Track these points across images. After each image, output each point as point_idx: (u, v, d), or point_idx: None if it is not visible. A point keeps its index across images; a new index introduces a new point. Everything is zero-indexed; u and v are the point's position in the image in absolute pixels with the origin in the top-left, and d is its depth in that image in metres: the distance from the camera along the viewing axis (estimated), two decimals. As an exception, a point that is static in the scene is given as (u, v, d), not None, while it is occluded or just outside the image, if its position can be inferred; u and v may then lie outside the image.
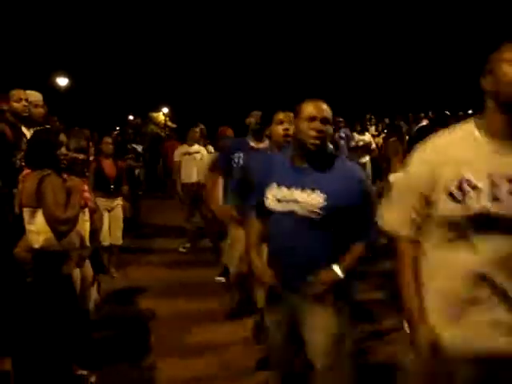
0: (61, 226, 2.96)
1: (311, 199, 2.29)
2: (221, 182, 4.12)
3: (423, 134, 4.85)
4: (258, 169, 2.65)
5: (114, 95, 31.58)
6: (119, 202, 6.09)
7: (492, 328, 1.68)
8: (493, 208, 1.63)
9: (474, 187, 1.66)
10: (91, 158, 5.65)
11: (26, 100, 4.04)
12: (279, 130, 3.28)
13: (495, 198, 1.64)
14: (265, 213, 2.48)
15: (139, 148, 10.27)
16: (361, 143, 9.88)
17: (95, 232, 3.58)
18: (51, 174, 3.00)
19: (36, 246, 3.00)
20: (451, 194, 1.68)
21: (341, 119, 10.49)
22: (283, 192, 2.36)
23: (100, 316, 4.38)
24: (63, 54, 28.05)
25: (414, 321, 1.80)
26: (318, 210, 2.28)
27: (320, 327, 2.36)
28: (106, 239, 5.78)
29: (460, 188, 1.67)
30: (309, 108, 2.36)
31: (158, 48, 33.79)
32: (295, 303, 2.41)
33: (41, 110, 4.23)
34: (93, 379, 3.41)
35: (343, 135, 9.96)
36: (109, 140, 6.24)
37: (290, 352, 2.53)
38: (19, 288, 3.16)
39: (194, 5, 34.07)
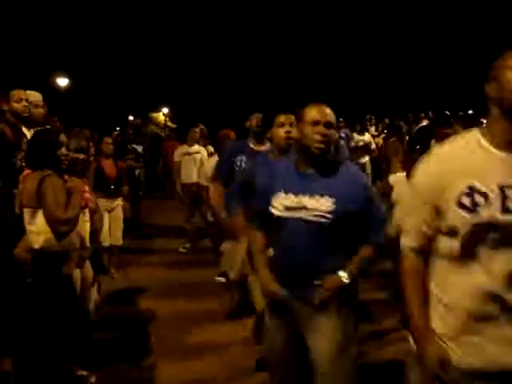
0: (61, 226, 2.96)
1: (320, 205, 2.28)
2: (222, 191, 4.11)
3: (423, 134, 4.86)
4: (262, 177, 2.60)
5: (114, 95, 31.57)
6: (119, 202, 6.09)
7: (503, 344, 1.67)
8: (502, 217, 1.62)
9: (484, 196, 1.64)
10: (91, 159, 5.64)
11: (27, 100, 4.04)
12: (281, 132, 3.22)
13: (505, 208, 1.62)
14: (268, 221, 2.45)
15: (139, 148, 10.27)
16: (361, 143, 9.89)
17: (95, 232, 3.58)
18: (52, 175, 3.00)
19: (36, 246, 3.00)
20: (460, 203, 1.66)
21: (341, 119, 10.50)
22: (291, 199, 2.34)
23: (100, 316, 4.38)
24: (63, 55, 28.05)
25: (421, 338, 1.80)
26: (327, 215, 2.27)
27: (325, 334, 2.35)
28: (106, 240, 5.78)
29: (469, 197, 1.65)
30: (312, 112, 2.35)
31: (158, 48, 33.79)
32: (300, 309, 2.38)
33: (41, 111, 4.24)
34: (93, 379, 3.41)
35: (343, 135, 9.96)
36: (109, 140, 6.24)
37: (289, 355, 2.50)
38: (19, 288, 3.16)
39: (195, 5, 34.08)
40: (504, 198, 1.63)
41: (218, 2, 33.59)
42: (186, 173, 7.57)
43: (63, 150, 3.11)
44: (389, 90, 29.03)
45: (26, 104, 4.03)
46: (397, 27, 29.57)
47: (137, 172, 9.35)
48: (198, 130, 7.93)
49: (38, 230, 2.99)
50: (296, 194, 2.33)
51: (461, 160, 1.70)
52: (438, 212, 1.73)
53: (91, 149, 5.80)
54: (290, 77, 31.36)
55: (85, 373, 3.41)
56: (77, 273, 3.23)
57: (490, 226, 1.63)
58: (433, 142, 4.76)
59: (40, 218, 2.98)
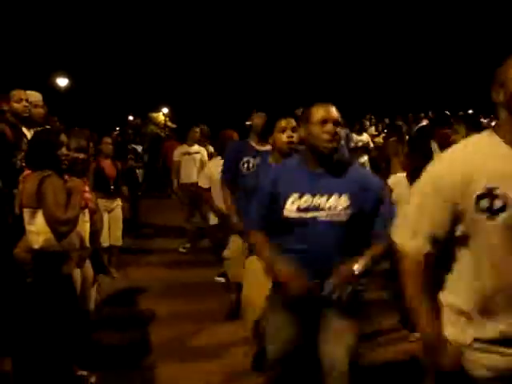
0: (61, 226, 2.96)
1: (337, 204, 2.30)
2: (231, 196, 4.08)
3: (423, 134, 4.86)
4: (268, 178, 2.54)
5: (113, 95, 31.56)
6: (118, 202, 6.08)
7: None
8: None
9: (505, 198, 1.62)
10: (90, 159, 5.64)
11: (27, 100, 4.04)
12: (283, 137, 3.19)
13: None
14: (274, 223, 2.43)
15: (139, 148, 10.28)
16: (360, 144, 9.89)
17: (95, 233, 3.57)
18: (52, 175, 3.00)
19: (36, 246, 3.00)
20: (480, 205, 1.63)
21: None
22: (306, 200, 2.33)
23: (100, 316, 4.38)
24: (63, 55, 28.05)
25: (433, 346, 1.75)
26: (344, 214, 2.29)
27: (340, 336, 2.35)
28: (105, 240, 5.77)
29: (489, 199, 1.63)
30: (320, 112, 2.36)
31: (157, 48, 33.78)
32: (315, 309, 2.37)
33: (41, 111, 4.23)
34: (93, 379, 3.41)
35: (343, 135, 9.95)
36: (108, 140, 6.23)
37: (293, 352, 2.47)
38: (19, 288, 3.16)
39: (194, 5, 34.07)
40: None
41: (218, 2, 33.59)
42: (185, 173, 7.56)
43: (63, 150, 3.11)
44: (388, 90, 29.03)
45: (26, 104, 4.03)
46: (397, 27, 29.58)
47: (137, 172, 9.36)
48: (197, 129, 7.92)
49: (37, 230, 2.99)
50: (312, 194, 2.33)
51: (482, 159, 1.67)
52: (456, 213, 1.68)
53: (91, 149, 5.81)
54: (290, 77, 31.37)
55: (85, 373, 3.41)
56: (77, 272, 3.22)
57: (509, 228, 1.61)
58: (433, 142, 4.78)
59: (40, 218, 2.98)
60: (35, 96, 4.19)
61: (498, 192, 1.62)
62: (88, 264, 3.45)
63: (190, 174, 7.47)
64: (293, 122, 3.11)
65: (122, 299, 5.34)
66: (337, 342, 2.36)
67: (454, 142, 2.85)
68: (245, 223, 2.70)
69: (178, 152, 7.82)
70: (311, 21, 33.51)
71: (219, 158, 5.31)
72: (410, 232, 1.77)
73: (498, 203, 1.62)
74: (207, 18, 34.48)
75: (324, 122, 2.33)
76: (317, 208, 2.31)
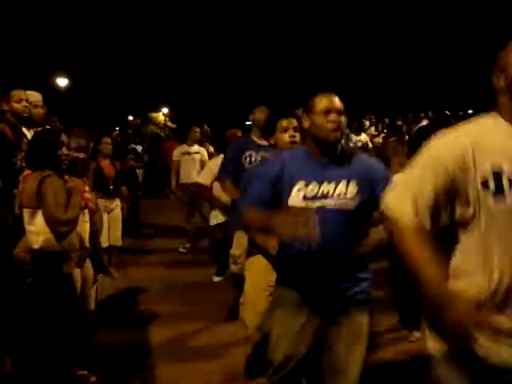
0: (61, 227, 2.95)
1: (346, 190, 2.30)
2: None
3: (423, 134, 4.86)
4: (271, 166, 2.51)
5: (113, 95, 31.56)
6: (118, 202, 6.07)
7: None
8: None
9: (511, 180, 1.59)
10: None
11: (27, 100, 4.04)
12: (285, 137, 3.13)
13: None
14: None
15: (139, 148, 10.28)
16: (359, 144, 9.91)
17: (95, 233, 3.57)
18: (52, 175, 3.00)
19: (35, 246, 3.00)
20: (486, 184, 1.60)
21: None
22: (314, 188, 2.32)
23: (100, 316, 4.38)
24: (63, 55, 28.05)
25: (443, 298, 1.57)
26: (352, 201, 2.30)
27: (355, 345, 2.34)
28: (105, 241, 5.75)
29: (496, 179, 1.59)
30: (323, 101, 2.37)
31: (157, 48, 33.78)
32: (327, 308, 2.35)
33: (41, 111, 4.23)
34: (93, 379, 3.41)
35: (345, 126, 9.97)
36: (108, 140, 6.22)
37: (302, 346, 2.38)
38: (19, 289, 3.16)
39: (194, 5, 34.07)
40: None
41: (218, 2, 33.59)
42: (185, 172, 7.56)
43: (64, 150, 3.11)
44: (388, 90, 29.03)
45: (26, 104, 4.03)
46: (397, 27, 29.57)
47: (137, 172, 9.37)
48: (198, 129, 7.91)
49: (37, 230, 2.99)
50: (319, 182, 2.32)
51: (488, 138, 1.64)
52: (454, 188, 1.63)
53: (90, 149, 5.80)
54: (290, 77, 31.37)
55: (85, 372, 3.41)
56: (77, 272, 3.22)
57: None
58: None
59: (39, 219, 2.98)
60: (35, 96, 4.19)
61: (504, 170, 1.59)
62: (88, 264, 3.45)
63: (189, 173, 7.46)
64: (294, 122, 3.08)
65: (122, 299, 5.34)
66: (349, 353, 2.33)
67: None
68: (241, 200, 2.64)
69: (177, 152, 7.82)
70: (311, 21, 33.52)
71: (221, 156, 5.29)
72: (406, 201, 1.68)
73: (504, 182, 1.59)
74: (207, 18, 34.48)
75: (327, 111, 2.34)
76: (325, 196, 2.30)
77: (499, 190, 1.59)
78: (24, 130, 4.02)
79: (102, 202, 5.51)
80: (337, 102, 2.38)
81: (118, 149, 8.06)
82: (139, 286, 5.67)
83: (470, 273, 1.68)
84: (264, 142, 3.87)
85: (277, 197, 2.37)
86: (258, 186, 2.47)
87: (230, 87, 33.94)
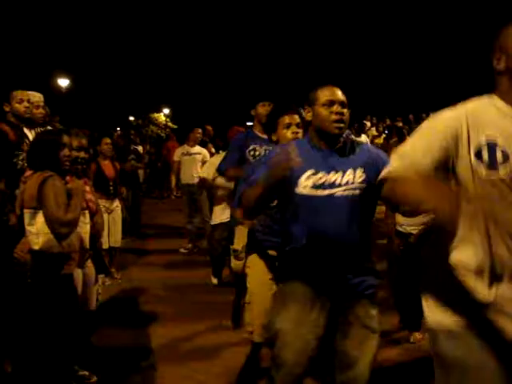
0: (61, 227, 2.95)
1: (354, 178, 2.32)
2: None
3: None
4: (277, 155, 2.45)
5: (114, 96, 31.59)
6: (118, 203, 6.08)
7: None
8: None
9: (504, 154, 1.61)
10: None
11: (28, 101, 4.04)
12: (288, 134, 3.06)
13: None
14: (288, 204, 2.40)
15: (140, 149, 10.29)
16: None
17: (96, 234, 3.56)
18: (53, 176, 3.00)
19: (36, 247, 2.99)
20: (479, 155, 1.62)
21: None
22: (322, 177, 2.31)
23: (101, 317, 4.38)
24: (64, 55, 28.08)
25: (445, 197, 1.51)
26: (360, 188, 2.31)
27: (368, 340, 2.35)
28: (105, 242, 5.74)
29: (490, 150, 1.62)
30: (326, 93, 2.38)
31: (159, 49, 33.82)
32: (337, 302, 2.34)
33: (42, 111, 4.23)
34: (94, 380, 3.41)
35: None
36: (108, 141, 6.22)
37: (308, 355, 2.32)
38: (19, 289, 3.16)
39: (195, 6, 34.09)
40: None
41: (219, 3, 33.60)
42: (185, 173, 7.56)
43: (65, 151, 3.11)
44: (389, 91, 29.02)
45: (28, 105, 4.03)
46: (398, 28, 29.57)
47: (138, 172, 9.38)
48: (200, 131, 7.91)
49: (37, 231, 2.98)
50: (327, 171, 2.32)
51: (484, 115, 1.67)
52: (449, 157, 1.65)
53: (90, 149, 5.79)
54: (290, 78, 31.38)
55: (86, 373, 3.42)
56: (78, 273, 3.22)
57: (504, 182, 1.60)
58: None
59: (40, 219, 2.97)
60: (36, 96, 4.19)
61: (498, 143, 1.61)
62: (90, 264, 3.45)
63: (190, 174, 7.47)
64: (297, 118, 3.05)
65: (123, 300, 5.34)
66: (362, 352, 2.32)
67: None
68: (243, 186, 2.60)
69: (178, 152, 7.83)
70: (312, 21, 33.53)
71: (224, 153, 5.26)
72: (404, 160, 1.70)
73: (498, 154, 1.61)
74: (208, 19, 34.50)
75: (331, 103, 2.35)
76: (333, 184, 2.30)
77: (492, 162, 1.61)
78: (25, 130, 4.02)
79: (102, 203, 5.51)
80: (339, 94, 2.39)
81: (118, 150, 8.07)
82: (140, 287, 5.68)
83: (467, 244, 1.69)
84: (267, 136, 3.84)
85: (283, 186, 2.34)
86: (263, 172, 2.38)
87: (231, 87, 33.96)
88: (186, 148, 7.76)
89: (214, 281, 5.71)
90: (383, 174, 1.78)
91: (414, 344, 4.05)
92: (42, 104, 4.19)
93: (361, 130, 10.81)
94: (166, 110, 32.08)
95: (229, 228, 4.43)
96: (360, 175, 2.33)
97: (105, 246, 5.72)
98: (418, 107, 14.60)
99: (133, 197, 8.22)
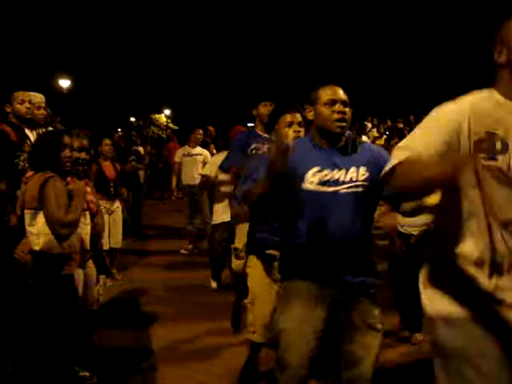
0: (62, 228, 2.95)
1: (357, 175, 2.33)
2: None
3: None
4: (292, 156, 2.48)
5: (116, 97, 31.61)
6: (118, 204, 6.08)
7: None
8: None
9: (504, 145, 1.63)
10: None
11: (29, 102, 4.04)
12: (290, 132, 3.05)
13: None
14: (293, 202, 2.40)
15: (141, 150, 10.29)
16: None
17: (97, 235, 3.56)
18: (54, 177, 3.00)
19: (36, 248, 3.00)
20: (479, 144, 1.64)
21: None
22: (327, 174, 2.32)
23: (101, 318, 4.38)
24: (65, 56, 28.10)
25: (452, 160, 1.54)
26: (363, 186, 2.32)
27: (371, 339, 2.40)
28: (105, 243, 5.73)
29: (490, 140, 1.64)
30: (327, 92, 2.39)
31: (160, 50, 33.83)
32: (341, 301, 2.35)
33: (43, 112, 4.23)
34: (94, 380, 3.41)
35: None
36: (108, 142, 6.22)
37: (313, 355, 2.34)
38: (20, 290, 3.16)
39: (197, 7, 34.12)
40: None
41: (220, 5, 33.64)
42: (186, 174, 7.56)
43: (67, 153, 3.11)
44: (390, 92, 29.03)
45: (29, 105, 4.03)
46: (398, 29, 29.57)
47: (140, 174, 9.40)
48: (201, 132, 7.90)
49: (38, 231, 2.99)
50: (331, 169, 2.33)
51: (486, 108, 1.69)
52: (452, 148, 1.67)
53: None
54: (292, 78, 31.39)
55: (87, 374, 3.42)
56: (79, 273, 3.22)
57: (503, 173, 1.62)
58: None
59: (40, 220, 2.97)
60: (38, 97, 4.19)
61: (497, 134, 1.63)
62: (91, 265, 3.45)
63: (191, 175, 7.47)
64: (299, 117, 3.04)
65: (124, 300, 5.35)
66: (367, 352, 2.38)
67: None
68: (247, 184, 2.58)
69: (179, 153, 7.83)
70: (313, 21, 33.55)
71: (225, 152, 5.24)
72: (407, 152, 1.70)
73: (497, 144, 1.63)
74: (209, 20, 34.53)
75: (333, 102, 2.36)
76: (337, 182, 2.31)
77: (491, 151, 1.63)
78: (27, 131, 4.02)
79: (102, 204, 5.51)
80: (341, 93, 2.40)
81: (120, 151, 8.08)
82: (141, 288, 5.68)
83: (468, 236, 1.71)
84: (268, 136, 3.84)
85: (287, 182, 2.35)
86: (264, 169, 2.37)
87: (232, 88, 33.98)
88: (187, 149, 7.75)
89: (214, 284, 5.67)
90: (387, 167, 1.78)
91: (414, 345, 4.04)
92: (43, 105, 4.20)
93: (362, 131, 10.80)
94: (167, 111, 32.12)
95: (230, 227, 4.42)
96: (363, 173, 2.34)
97: (105, 247, 5.72)
98: (419, 108, 14.59)
99: (133, 198, 8.23)
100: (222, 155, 5.19)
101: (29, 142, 3.89)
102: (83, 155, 3.52)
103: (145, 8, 33.54)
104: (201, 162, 7.46)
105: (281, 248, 2.70)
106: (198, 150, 7.69)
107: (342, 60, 31.49)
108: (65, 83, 25.25)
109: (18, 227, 3.17)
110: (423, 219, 3.66)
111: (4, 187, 3.71)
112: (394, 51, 30.08)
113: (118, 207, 6.03)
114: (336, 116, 2.34)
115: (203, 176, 5.63)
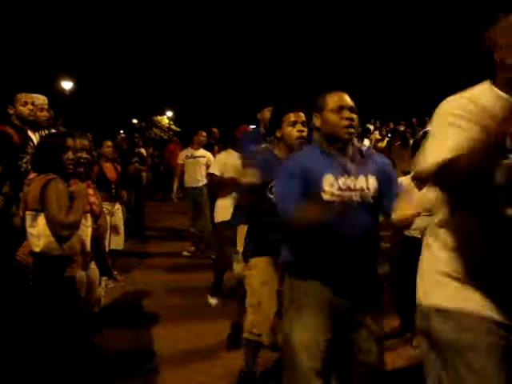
0: (62, 230, 2.95)
1: (367, 185, 2.35)
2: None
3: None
4: (296, 162, 2.47)
5: (118, 98, 31.66)
6: (119, 206, 6.09)
7: None
8: None
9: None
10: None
11: (32, 104, 4.06)
12: (293, 131, 2.98)
13: None
14: None
15: (143, 152, 10.31)
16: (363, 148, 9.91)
17: (100, 236, 3.57)
18: (56, 179, 3.01)
19: (36, 249, 3.00)
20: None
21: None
22: (340, 181, 2.33)
23: (103, 319, 4.38)
24: (68, 58, 28.16)
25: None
26: (372, 195, 2.35)
27: (378, 344, 2.50)
28: (106, 245, 5.70)
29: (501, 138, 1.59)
30: (334, 99, 2.40)
31: (162, 52, 33.88)
32: (350, 307, 2.39)
33: (46, 114, 4.25)
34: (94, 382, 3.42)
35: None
36: (109, 143, 6.23)
37: (325, 342, 2.35)
38: (21, 292, 3.17)
39: (199, 8, 34.17)
40: None
41: (221, 6, 33.68)
42: (189, 176, 7.55)
43: (69, 155, 3.12)
44: (392, 94, 29.02)
45: (32, 107, 4.04)
46: (400, 31, 29.57)
47: (143, 175, 9.42)
48: (204, 134, 7.89)
49: (38, 233, 2.99)
50: (344, 176, 2.34)
51: (487, 101, 1.70)
52: None
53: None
54: (295, 81, 31.40)
55: (87, 374, 3.41)
56: (82, 275, 3.23)
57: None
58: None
59: (41, 222, 2.97)
60: (40, 99, 4.20)
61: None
62: (94, 266, 3.46)
63: (194, 177, 7.46)
64: (302, 116, 3.01)
65: (126, 302, 5.35)
66: (373, 358, 2.55)
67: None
68: (280, 204, 2.50)
69: (182, 155, 7.82)
70: (316, 25, 33.56)
71: (228, 150, 5.23)
72: (432, 154, 1.67)
73: (508, 143, 1.60)
74: (211, 21, 34.56)
75: (341, 108, 2.36)
76: (349, 189, 2.33)
77: (504, 148, 1.61)
78: (29, 133, 4.04)
79: (104, 205, 5.51)
80: (348, 99, 2.42)
81: (122, 152, 8.09)
82: (143, 290, 5.68)
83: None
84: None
85: (302, 189, 2.34)
86: (290, 185, 2.36)
87: (235, 90, 34.00)
88: (190, 151, 7.74)
89: (213, 301, 5.24)
90: (417, 171, 1.78)
91: (415, 348, 4.03)
92: (46, 107, 4.21)
93: (364, 134, 10.79)
94: (170, 113, 32.16)
95: (231, 226, 4.41)
96: (372, 182, 2.37)
97: (106, 248, 5.73)
98: (421, 111, 14.59)
99: (136, 199, 8.24)
100: (227, 153, 5.19)
101: (31, 144, 3.91)
102: (84, 155, 3.52)
103: (147, 10, 33.62)
104: (204, 164, 7.43)
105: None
106: (201, 152, 7.67)
107: (344, 63, 31.50)
108: (67, 85, 25.30)
109: (20, 229, 3.17)
110: (425, 222, 3.65)
111: (7, 189, 3.73)
112: (397, 54, 30.07)
113: (118, 209, 6.04)
114: (344, 123, 2.35)
115: (209, 174, 5.61)
